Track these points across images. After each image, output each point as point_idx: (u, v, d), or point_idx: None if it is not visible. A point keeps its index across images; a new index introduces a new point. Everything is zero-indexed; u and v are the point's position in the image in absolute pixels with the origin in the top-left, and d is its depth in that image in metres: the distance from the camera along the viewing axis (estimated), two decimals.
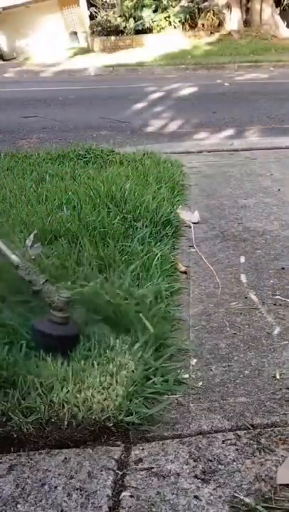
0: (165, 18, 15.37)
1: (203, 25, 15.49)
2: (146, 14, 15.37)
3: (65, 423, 1.22)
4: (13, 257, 1.39)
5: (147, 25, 15.32)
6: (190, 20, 15.39)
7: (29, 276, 1.38)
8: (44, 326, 1.40)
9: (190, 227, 2.63)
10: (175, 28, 15.43)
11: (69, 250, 1.97)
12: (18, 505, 1.03)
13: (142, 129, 5.86)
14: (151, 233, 2.37)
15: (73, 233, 2.27)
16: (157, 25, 15.38)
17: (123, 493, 1.05)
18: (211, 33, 15.49)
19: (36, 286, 1.38)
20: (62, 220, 2.41)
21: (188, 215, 2.74)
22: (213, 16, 15.32)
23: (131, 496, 1.04)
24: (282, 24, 15.82)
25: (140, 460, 1.14)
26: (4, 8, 17.98)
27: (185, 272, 2.05)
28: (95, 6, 16.27)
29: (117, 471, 1.11)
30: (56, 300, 1.38)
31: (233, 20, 15.43)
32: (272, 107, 6.79)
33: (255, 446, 1.17)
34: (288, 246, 2.33)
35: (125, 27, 15.60)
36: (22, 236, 2.20)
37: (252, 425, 1.24)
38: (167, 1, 15.52)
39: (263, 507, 1.00)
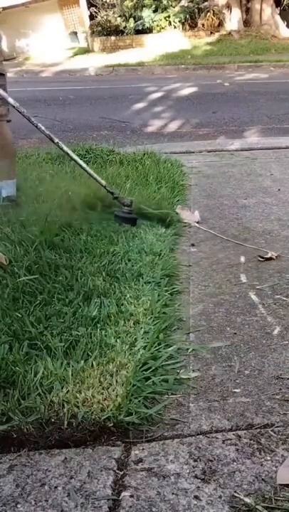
0: (165, 18, 15.37)
1: (203, 25, 15.48)
2: (146, 14, 15.36)
3: (65, 423, 1.21)
4: (100, 180, 2.53)
5: (147, 25, 15.32)
6: (190, 20, 15.39)
7: (111, 190, 2.53)
8: (121, 213, 2.50)
9: (190, 226, 2.63)
10: (175, 28, 15.43)
11: None
12: (18, 505, 1.03)
13: (142, 129, 5.86)
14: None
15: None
16: (157, 25, 15.38)
17: (123, 493, 1.05)
18: (211, 33, 15.48)
19: (115, 195, 2.52)
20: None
21: (188, 215, 2.75)
22: (213, 16, 15.31)
23: (131, 496, 1.04)
24: (282, 24, 15.82)
25: (140, 460, 1.14)
26: (4, 8, 17.97)
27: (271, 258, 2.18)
28: (95, 6, 16.27)
29: (117, 471, 1.11)
30: (126, 201, 2.50)
31: (233, 20, 15.43)
32: (272, 107, 6.80)
33: (255, 446, 1.17)
34: (288, 246, 2.33)
35: (125, 27, 15.61)
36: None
37: (252, 425, 1.24)
38: (167, 1, 15.52)
39: (262, 507, 1.00)
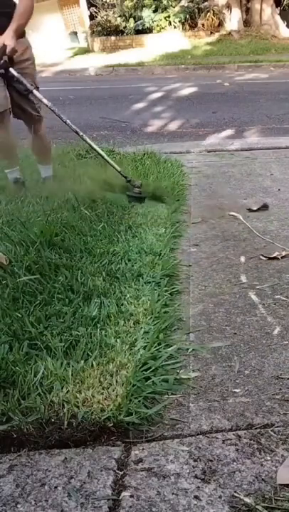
0: (165, 18, 15.35)
1: (203, 25, 15.46)
2: (146, 14, 15.34)
3: (65, 423, 1.21)
4: (117, 166, 2.91)
5: (147, 25, 15.30)
6: (190, 20, 15.37)
7: (125, 175, 2.90)
8: (132, 193, 2.84)
9: (189, 226, 2.63)
10: (175, 28, 15.41)
11: None
12: (18, 505, 1.03)
13: (142, 129, 5.86)
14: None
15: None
16: (157, 25, 15.36)
17: (123, 493, 1.05)
18: (211, 33, 15.47)
19: (128, 179, 2.87)
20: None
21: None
22: (213, 16, 15.29)
23: (131, 496, 1.04)
24: (282, 24, 15.80)
25: (140, 460, 1.14)
26: None
27: None
28: (95, 6, 16.25)
29: (117, 471, 1.11)
30: (137, 183, 2.85)
31: (233, 20, 15.41)
32: (272, 107, 6.79)
33: (255, 446, 1.17)
34: (288, 246, 2.33)
35: (125, 27, 15.59)
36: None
37: (252, 425, 1.24)
38: (167, 1, 15.50)
39: (262, 507, 1.00)
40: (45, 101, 2.79)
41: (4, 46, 2.54)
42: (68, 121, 2.86)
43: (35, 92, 2.75)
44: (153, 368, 1.41)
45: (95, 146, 2.96)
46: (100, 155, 2.96)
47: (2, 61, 2.55)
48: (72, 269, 1.97)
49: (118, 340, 1.54)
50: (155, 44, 14.95)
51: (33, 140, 3.09)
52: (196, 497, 1.03)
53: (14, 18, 2.61)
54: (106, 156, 2.95)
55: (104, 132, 5.73)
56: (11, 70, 2.62)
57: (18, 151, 3.11)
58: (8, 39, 2.55)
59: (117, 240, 2.33)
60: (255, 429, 1.22)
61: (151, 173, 3.45)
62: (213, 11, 15.29)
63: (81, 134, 2.90)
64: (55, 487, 1.07)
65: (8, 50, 2.55)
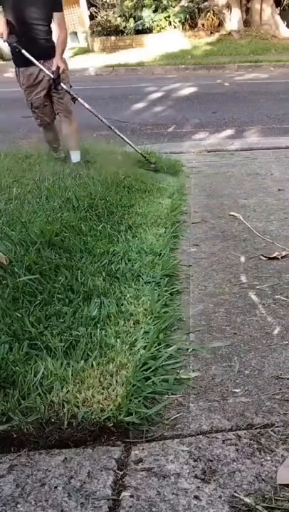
0: (165, 18, 15.34)
1: (203, 25, 15.45)
2: (146, 14, 15.33)
3: (65, 423, 1.21)
4: (137, 148, 3.85)
5: (147, 25, 15.29)
6: (190, 20, 15.36)
7: (144, 155, 3.79)
8: (150, 168, 3.68)
9: (189, 226, 2.63)
10: (175, 28, 15.41)
11: None
12: (18, 505, 1.03)
13: (141, 129, 5.86)
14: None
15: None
16: (157, 25, 15.35)
17: (123, 493, 1.05)
18: (211, 33, 15.46)
19: (146, 157, 3.70)
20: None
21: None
22: (213, 16, 15.28)
23: (131, 496, 1.04)
24: (282, 24, 15.79)
25: (140, 460, 1.14)
26: None
27: None
28: (95, 6, 16.24)
29: (117, 471, 1.11)
30: (152, 160, 3.78)
31: (233, 20, 15.41)
32: (272, 107, 6.79)
33: (255, 446, 1.17)
34: (288, 246, 2.33)
35: (125, 27, 15.58)
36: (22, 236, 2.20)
37: (252, 425, 1.24)
38: (167, 1, 15.49)
39: (262, 507, 1.00)
40: (86, 105, 3.74)
41: (58, 68, 3.49)
42: (104, 119, 3.81)
43: (79, 99, 3.71)
44: (153, 368, 1.41)
45: (125, 138, 3.88)
46: (125, 141, 3.88)
47: (57, 78, 3.50)
48: (72, 269, 1.97)
49: (118, 340, 1.54)
50: (155, 44, 14.95)
51: (66, 131, 3.96)
52: (196, 497, 1.03)
53: (58, 45, 3.55)
54: (130, 142, 3.88)
55: (104, 132, 5.72)
56: (62, 84, 3.56)
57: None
58: (60, 62, 3.51)
59: (117, 240, 2.33)
60: (255, 429, 1.22)
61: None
62: (213, 11, 15.29)
63: (112, 128, 3.85)
64: (55, 487, 1.07)
65: (60, 70, 3.51)
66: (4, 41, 3.49)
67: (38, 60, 3.49)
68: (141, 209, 2.79)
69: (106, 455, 1.16)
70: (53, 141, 4.07)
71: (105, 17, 15.80)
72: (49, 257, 2.03)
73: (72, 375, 1.36)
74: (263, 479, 1.07)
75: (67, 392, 1.30)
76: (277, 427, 1.22)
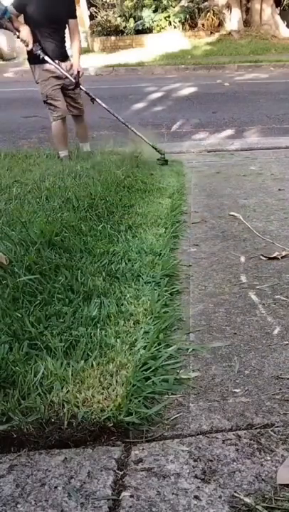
0: (165, 18, 15.34)
1: (203, 25, 15.46)
2: (146, 14, 15.33)
3: (65, 423, 1.21)
4: (148, 141, 4.09)
5: (147, 25, 15.29)
6: (190, 20, 15.36)
7: (155, 146, 4.10)
8: (160, 158, 4.05)
9: (189, 226, 2.63)
10: (175, 28, 15.41)
11: None
12: (18, 505, 1.03)
13: (141, 129, 5.85)
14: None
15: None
16: (157, 25, 15.35)
17: (123, 493, 1.05)
18: (211, 33, 15.46)
19: (157, 148, 4.05)
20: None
21: None
22: (213, 16, 15.29)
23: (131, 496, 1.04)
24: (282, 24, 15.79)
25: (140, 460, 1.14)
26: None
27: None
28: (95, 6, 16.24)
29: (117, 471, 1.11)
30: (162, 151, 4.09)
31: (233, 20, 15.41)
32: (272, 107, 6.79)
33: (255, 446, 1.17)
34: (288, 246, 2.33)
35: (125, 27, 15.57)
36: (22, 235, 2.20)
37: (252, 425, 1.24)
38: (167, 1, 15.49)
39: (262, 507, 1.00)
40: (103, 105, 4.14)
41: (78, 72, 3.97)
42: (119, 117, 4.24)
43: (98, 101, 4.11)
44: (153, 368, 1.41)
45: (138, 132, 4.16)
46: (136, 134, 4.14)
47: (78, 81, 3.94)
48: (72, 269, 1.97)
49: (118, 340, 1.54)
50: (155, 44, 14.94)
51: (79, 127, 4.44)
52: (196, 497, 1.03)
53: (76, 50, 4.01)
54: (144, 138, 4.14)
55: (104, 132, 5.72)
56: (81, 87, 4.04)
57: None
58: (79, 67, 4.00)
59: (117, 240, 2.33)
60: (255, 429, 1.22)
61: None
62: (213, 11, 15.29)
63: (127, 124, 4.19)
64: (55, 487, 1.07)
65: (80, 74, 4.00)
66: (29, 49, 3.79)
67: (54, 60, 3.84)
68: (141, 209, 2.79)
69: (106, 455, 1.16)
70: (65, 137, 4.29)
71: (105, 17, 15.80)
72: (49, 257, 2.04)
73: (72, 375, 1.36)
74: (263, 479, 1.07)
75: (67, 392, 1.30)
76: (277, 427, 1.22)
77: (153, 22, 15.32)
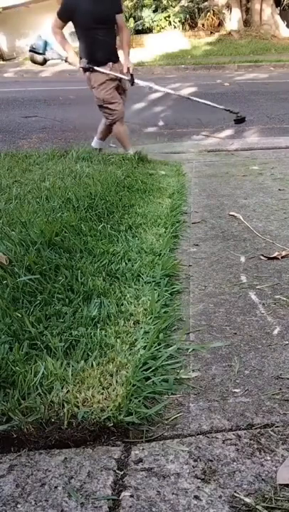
0: (165, 18, 15.36)
1: (203, 25, 15.47)
2: (146, 14, 15.34)
3: (65, 423, 1.21)
4: (218, 106, 4.21)
5: (147, 25, 15.30)
6: (190, 20, 15.38)
7: (227, 108, 4.19)
8: (236, 118, 4.15)
9: (189, 226, 2.63)
10: (175, 28, 15.42)
11: None
12: (18, 505, 1.03)
13: (141, 129, 5.85)
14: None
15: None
16: (157, 25, 15.36)
17: (123, 493, 1.05)
18: (211, 33, 15.47)
19: (230, 110, 4.19)
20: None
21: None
22: (213, 16, 15.30)
23: (131, 496, 1.04)
24: (282, 24, 15.80)
25: (140, 460, 1.14)
26: (4, 8, 17.93)
27: None
28: None
29: (117, 471, 1.11)
30: (236, 111, 4.15)
31: (233, 20, 15.42)
32: (273, 107, 6.79)
33: (255, 446, 1.17)
34: (288, 246, 2.33)
35: None
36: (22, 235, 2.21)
37: (252, 425, 1.24)
38: (167, 1, 15.51)
39: (262, 507, 1.00)
40: (163, 89, 4.49)
41: (128, 68, 3.96)
42: (179, 93, 4.70)
43: (155, 86, 4.25)
44: (153, 368, 1.41)
45: (207, 102, 4.21)
46: (210, 105, 4.19)
47: (133, 80, 4.00)
48: (72, 269, 1.97)
49: (118, 340, 1.54)
50: (155, 44, 14.95)
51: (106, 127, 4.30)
52: (196, 497, 1.03)
53: (125, 47, 4.04)
54: (213, 104, 4.19)
55: None
56: (136, 80, 4.03)
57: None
58: (129, 62, 4.00)
59: (117, 240, 2.33)
60: (255, 429, 1.22)
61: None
62: (213, 11, 15.30)
63: (191, 97, 4.39)
64: (55, 487, 1.07)
65: (131, 69, 4.00)
66: (79, 68, 3.92)
67: (108, 62, 3.88)
68: (141, 209, 2.79)
69: (106, 455, 1.16)
70: (127, 134, 4.31)
71: None
72: (49, 257, 2.04)
73: (72, 375, 1.36)
74: (263, 479, 1.07)
75: (67, 392, 1.30)
76: (277, 427, 1.22)
77: (153, 22, 15.33)
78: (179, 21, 15.27)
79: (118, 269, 2.02)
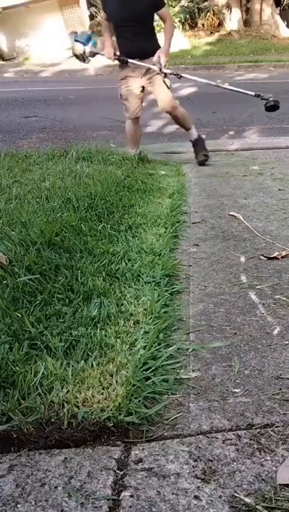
0: None
1: (203, 25, 15.48)
2: None
3: (65, 423, 1.21)
4: (249, 92, 3.99)
5: None
6: (190, 20, 15.38)
7: (257, 93, 3.94)
8: (269, 104, 3.83)
9: (189, 226, 2.63)
10: (175, 28, 15.44)
11: None
12: (18, 505, 1.03)
13: (141, 129, 5.85)
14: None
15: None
16: (157, 25, 15.37)
17: (123, 493, 1.05)
18: (211, 32, 15.48)
19: (260, 95, 3.89)
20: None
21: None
22: (213, 15, 15.30)
23: (131, 496, 1.04)
24: (282, 24, 15.80)
25: (140, 460, 1.14)
26: (4, 8, 17.93)
27: None
28: (95, 6, 16.23)
29: (117, 471, 1.11)
30: (267, 96, 3.82)
31: (233, 20, 15.42)
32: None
33: (255, 446, 1.17)
34: (288, 246, 2.33)
35: None
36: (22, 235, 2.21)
37: (252, 425, 1.24)
38: (167, 1, 15.51)
39: (262, 507, 1.00)
40: (193, 77, 4.36)
41: (159, 57, 3.88)
42: (210, 81, 4.43)
43: (185, 75, 4.18)
44: (153, 368, 1.41)
45: (238, 89, 4.20)
46: (241, 92, 4.15)
47: (161, 68, 3.90)
48: (72, 269, 1.97)
49: (118, 340, 1.54)
50: None
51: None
52: (196, 497, 1.03)
53: (166, 41, 3.96)
54: (244, 90, 4.14)
55: (104, 132, 5.73)
56: (164, 69, 3.90)
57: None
58: (167, 56, 3.95)
59: (117, 240, 2.33)
60: (255, 429, 1.22)
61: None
62: (213, 10, 15.30)
63: (221, 85, 4.40)
64: (55, 487, 1.07)
65: (162, 60, 3.88)
66: (114, 60, 4.06)
67: (134, 59, 3.94)
68: (141, 209, 2.79)
69: (106, 455, 1.16)
70: (135, 137, 4.38)
71: None
72: (49, 257, 2.04)
73: (72, 375, 1.36)
74: (263, 479, 1.07)
75: (67, 392, 1.30)
76: (277, 427, 1.22)
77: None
78: (179, 21, 15.28)
79: (118, 269, 2.02)
